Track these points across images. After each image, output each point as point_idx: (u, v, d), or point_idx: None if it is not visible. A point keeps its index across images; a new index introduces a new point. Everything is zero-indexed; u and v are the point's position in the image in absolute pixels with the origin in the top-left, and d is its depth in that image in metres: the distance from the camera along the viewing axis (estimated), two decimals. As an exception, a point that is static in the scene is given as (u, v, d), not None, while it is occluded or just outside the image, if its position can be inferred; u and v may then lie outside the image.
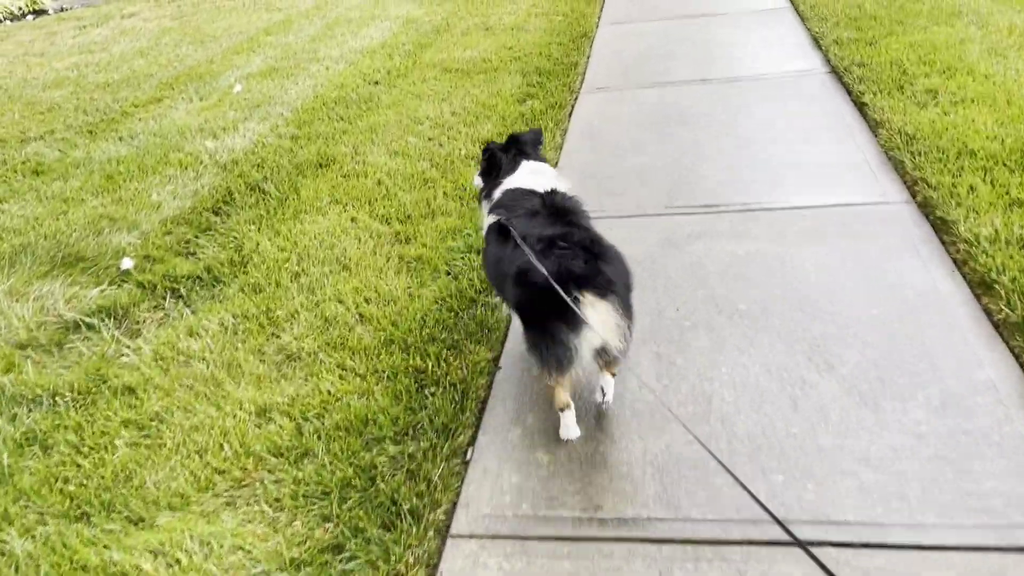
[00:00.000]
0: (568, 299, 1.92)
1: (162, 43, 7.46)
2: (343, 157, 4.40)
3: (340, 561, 2.01)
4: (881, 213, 3.29)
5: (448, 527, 2.12)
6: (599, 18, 6.81)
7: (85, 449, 2.50)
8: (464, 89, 5.30)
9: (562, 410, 2.30)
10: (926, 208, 3.23)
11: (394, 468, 2.26)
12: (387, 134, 4.68)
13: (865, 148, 3.85)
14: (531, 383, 2.59)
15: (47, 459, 2.49)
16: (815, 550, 1.90)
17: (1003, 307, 2.56)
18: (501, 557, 2.02)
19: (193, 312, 3.15)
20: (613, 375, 2.42)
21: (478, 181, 2.75)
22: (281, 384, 2.66)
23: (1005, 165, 3.30)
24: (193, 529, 2.14)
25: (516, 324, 2.82)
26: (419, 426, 2.40)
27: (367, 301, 3.06)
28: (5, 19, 10.64)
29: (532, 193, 2.40)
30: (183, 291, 3.30)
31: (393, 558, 1.99)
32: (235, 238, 3.67)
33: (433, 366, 2.64)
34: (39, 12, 10.94)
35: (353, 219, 3.71)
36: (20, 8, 10.90)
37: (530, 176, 2.53)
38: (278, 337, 2.91)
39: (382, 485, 2.20)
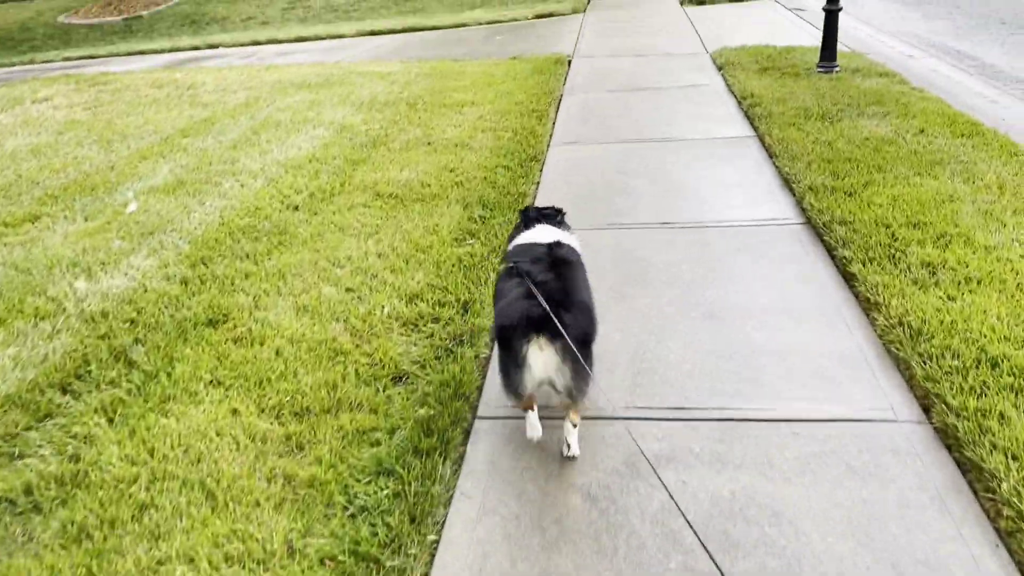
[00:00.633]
0: (524, 342, 2.34)
1: (63, 139, 6.67)
2: (239, 313, 3.63)
3: None
4: (891, 437, 2.66)
5: None
6: (551, 137, 6.29)
7: None
8: (396, 221, 4.62)
9: (526, 410, 2.65)
10: (947, 438, 2.60)
11: None
12: (298, 280, 3.94)
13: (858, 333, 3.26)
14: None
15: None
16: None
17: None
18: None
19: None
20: (575, 424, 2.61)
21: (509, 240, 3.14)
22: None
23: (1036, 382, 2.72)
24: None
25: None
26: None
27: (228, 561, 2.24)
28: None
29: (538, 243, 2.77)
30: (-15, 524, 2.45)
31: None
32: (76, 436, 2.83)
33: None
34: (-54, 88, 10.07)
35: (235, 411, 2.92)
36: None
37: (543, 232, 2.92)
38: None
39: None
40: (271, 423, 2.84)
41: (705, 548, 2.09)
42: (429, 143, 6.12)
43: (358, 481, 2.56)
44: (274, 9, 17.70)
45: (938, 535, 2.25)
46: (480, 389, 3.09)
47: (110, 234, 4.56)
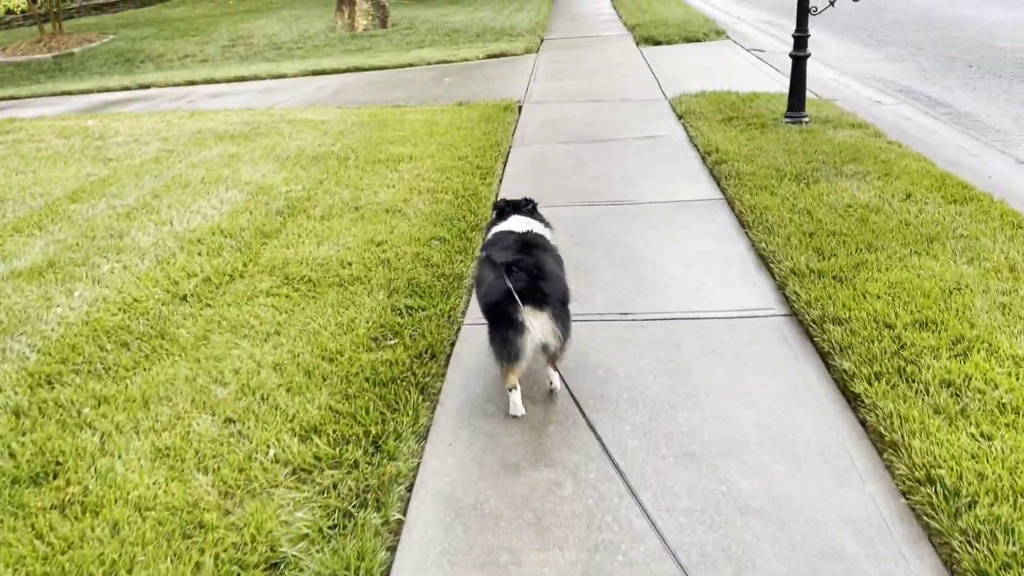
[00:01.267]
0: (519, 312, 2.70)
1: (-71, 206, 5.75)
2: (77, 462, 2.78)
3: None
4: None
5: None
6: (496, 199, 5.54)
7: None
8: (304, 316, 3.82)
9: (510, 390, 3.01)
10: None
11: None
12: (165, 407, 3.10)
13: (874, 486, 2.55)
14: None
15: None
16: None
17: None
18: None
19: None
20: (556, 369, 3.06)
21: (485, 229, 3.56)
22: None
23: None
24: None
25: None
26: None
27: None
28: None
29: (512, 232, 3.16)
30: None
31: None
32: None
33: None
34: None
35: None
36: None
37: (516, 222, 3.31)
38: None
39: None
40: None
41: None
42: (357, 208, 5.35)
43: None
44: (214, 47, 16.88)
45: None
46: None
47: (-61, 340, 3.68)
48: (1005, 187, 5.16)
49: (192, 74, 14.34)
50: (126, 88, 13.67)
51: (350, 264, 4.41)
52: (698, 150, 6.52)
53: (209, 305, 3.96)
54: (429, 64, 12.94)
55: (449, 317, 3.85)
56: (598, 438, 2.85)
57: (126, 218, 5.29)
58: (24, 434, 2.94)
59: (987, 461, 2.46)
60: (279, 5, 23.32)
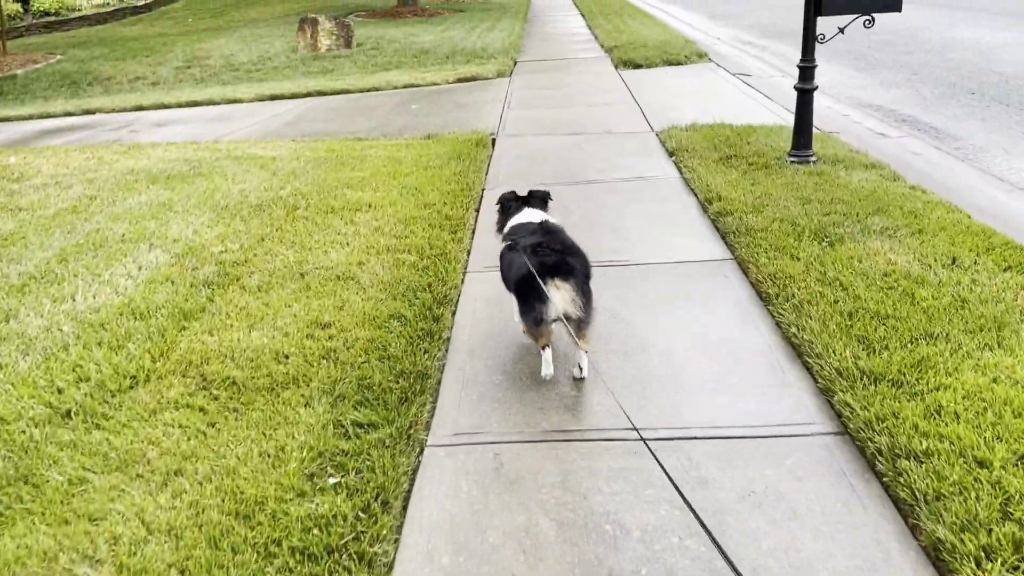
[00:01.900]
0: (541, 289, 3.02)
1: None
2: None
3: None
4: None
5: None
6: (468, 258, 4.74)
7: None
8: (220, 442, 2.95)
9: (543, 348, 3.29)
10: None
11: None
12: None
13: None
14: None
15: None
16: None
17: None
18: None
19: None
20: (585, 350, 3.28)
21: (495, 219, 3.96)
22: None
23: None
24: None
25: None
26: None
27: None
28: None
29: (532, 223, 3.54)
30: None
31: None
32: None
33: None
34: None
35: None
36: None
37: (530, 213, 3.68)
38: None
39: None
40: None
41: None
42: (302, 274, 4.48)
43: None
44: (167, 68, 15.91)
45: None
46: None
47: None
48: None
49: (141, 98, 13.38)
50: (69, 114, 12.68)
51: (287, 357, 3.54)
52: (696, 196, 5.76)
53: (98, 426, 3.06)
54: (396, 88, 12.13)
55: (409, 437, 3.00)
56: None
57: (19, 292, 4.36)
58: None
59: None
60: (240, 24, 22.39)
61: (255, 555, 2.37)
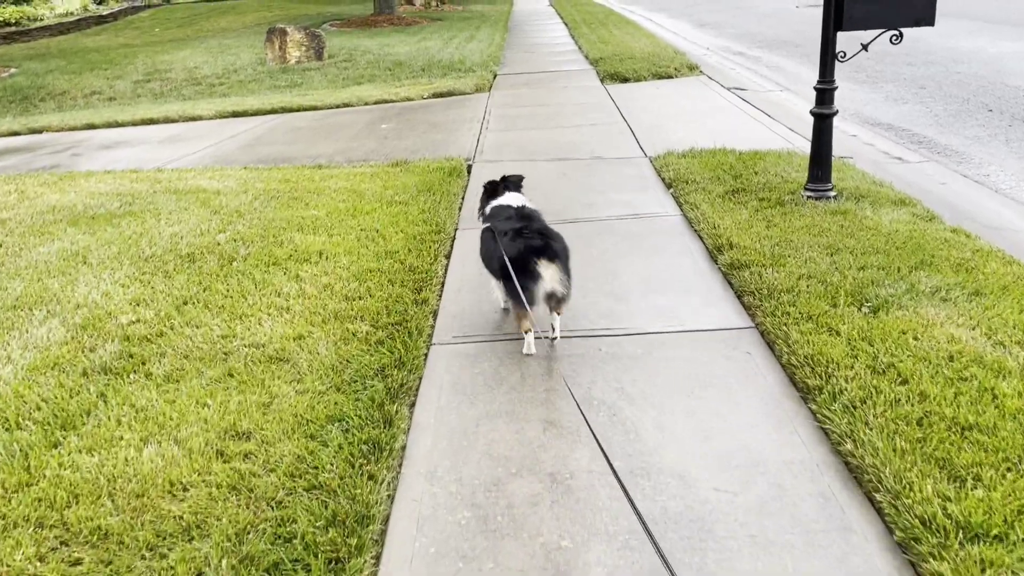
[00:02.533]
0: (537, 264, 3.33)
1: None
2: None
3: None
4: None
5: None
6: (433, 327, 3.89)
7: None
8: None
9: (526, 332, 3.54)
10: None
11: None
12: None
13: None
14: None
15: None
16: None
17: None
18: None
19: None
20: (560, 314, 3.60)
21: (479, 204, 4.19)
22: None
23: None
24: None
25: None
26: None
27: None
28: None
29: (510, 207, 3.81)
30: None
31: None
32: None
33: None
34: None
35: None
36: None
37: (510, 197, 3.95)
38: None
39: None
40: None
41: None
42: (226, 355, 3.61)
43: None
44: (126, 82, 14.97)
45: None
46: None
47: None
48: None
49: (94, 116, 12.45)
50: (14, 133, 11.75)
51: (184, 490, 2.68)
52: (701, 239, 4.94)
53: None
54: (366, 104, 11.29)
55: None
56: None
57: None
58: None
59: None
60: (209, 34, 21.45)
61: None
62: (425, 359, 3.70)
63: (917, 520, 2.32)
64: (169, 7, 27.84)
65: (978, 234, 4.70)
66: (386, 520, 2.62)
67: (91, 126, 11.70)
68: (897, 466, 2.55)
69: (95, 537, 2.47)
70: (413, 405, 3.33)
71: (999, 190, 6.03)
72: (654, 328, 3.86)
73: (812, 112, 5.35)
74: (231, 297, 4.25)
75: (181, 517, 2.55)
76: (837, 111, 5.33)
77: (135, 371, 3.51)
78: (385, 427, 3.05)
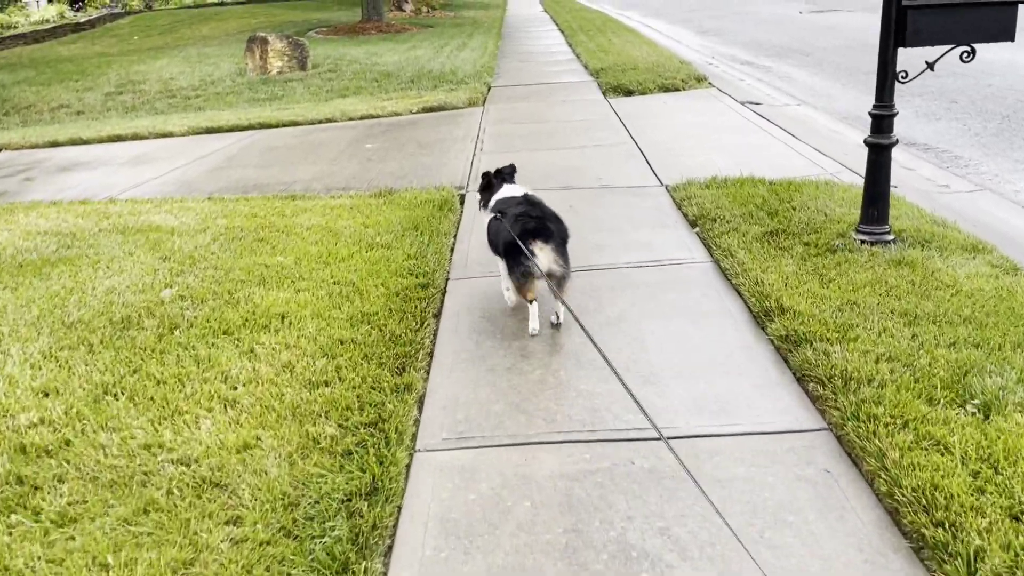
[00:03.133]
0: (526, 250, 3.52)
1: None
2: None
3: None
4: None
5: None
6: (419, 419, 3.05)
7: None
8: None
9: (530, 303, 3.77)
10: None
11: None
12: None
13: None
14: None
15: None
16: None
17: None
18: None
19: None
20: (563, 302, 3.66)
21: (478, 196, 4.44)
22: None
23: None
24: None
25: None
26: None
27: None
28: None
29: (515, 196, 3.99)
30: None
31: None
32: None
33: None
34: None
35: None
36: None
37: (511, 188, 4.16)
38: None
39: None
40: None
41: None
42: (146, 476, 2.77)
43: None
44: (97, 94, 14.08)
45: None
46: None
47: None
48: None
49: (58, 132, 11.56)
50: (-32, 152, 10.81)
51: None
52: (741, 296, 4.11)
53: None
54: (351, 119, 10.44)
55: None
56: None
57: None
58: None
59: None
60: (189, 42, 20.57)
61: None
62: (407, 475, 2.86)
63: None
64: (150, 13, 26.92)
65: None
66: None
67: (54, 143, 10.83)
68: None
69: None
70: (388, 553, 2.48)
71: (1075, 228, 5.22)
72: (700, 428, 3.02)
73: (867, 142, 4.52)
74: (165, 384, 3.39)
75: None
76: (896, 141, 4.51)
77: (21, 505, 2.64)
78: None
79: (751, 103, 9.70)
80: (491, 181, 4.35)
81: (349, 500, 2.63)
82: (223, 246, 5.21)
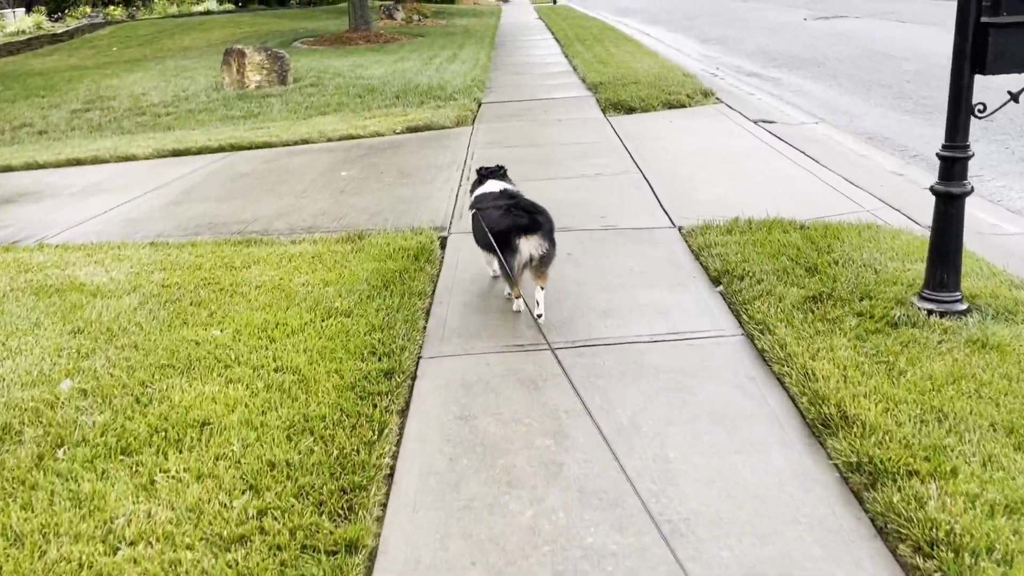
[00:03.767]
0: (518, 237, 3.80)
1: None
2: None
3: None
4: None
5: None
6: (387, 499, 2.15)
7: None
8: None
9: (516, 298, 4.08)
10: None
11: None
12: None
13: None
14: None
15: None
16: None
17: None
18: None
19: None
20: (543, 287, 3.98)
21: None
22: None
23: None
24: None
25: None
26: None
27: None
28: None
29: (496, 191, 4.26)
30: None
31: None
32: None
33: None
34: None
35: None
36: None
37: (496, 183, 4.39)
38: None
39: None
40: None
41: None
42: None
43: None
44: (63, 112, 13.20)
45: None
46: None
47: None
48: None
49: (13, 155, 10.70)
50: (-87, 179, 9.90)
51: None
52: (785, 389, 3.24)
53: None
54: (329, 140, 9.59)
55: None
56: None
57: None
58: None
59: None
60: (168, 53, 19.70)
61: None
62: None
63: None
64: (132, 23, 26.05)
65: None
66: None
67: (7, 168, 9.98)
68: None
69: None
70: None
71: None
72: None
73: (935, 191, 3.65)
74: (19, 544, 2.48)
75: None
76: (972, 189, 3.63)
77: None
78: None
79: (764, 121, 8.85)
80: (482, 182, 4.50)
81: None
82: (151, 313, 4.32)
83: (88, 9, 27.33)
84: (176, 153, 9.77)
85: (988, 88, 3.64)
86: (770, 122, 8.85)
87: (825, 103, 10.10)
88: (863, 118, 9.06)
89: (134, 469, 2.89)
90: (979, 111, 3.53)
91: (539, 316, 3.99)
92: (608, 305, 4.26)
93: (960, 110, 3.54)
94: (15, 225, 6.84)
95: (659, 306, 4.21)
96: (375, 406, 3.27)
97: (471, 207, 4.30)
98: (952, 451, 2.66)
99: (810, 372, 3.23)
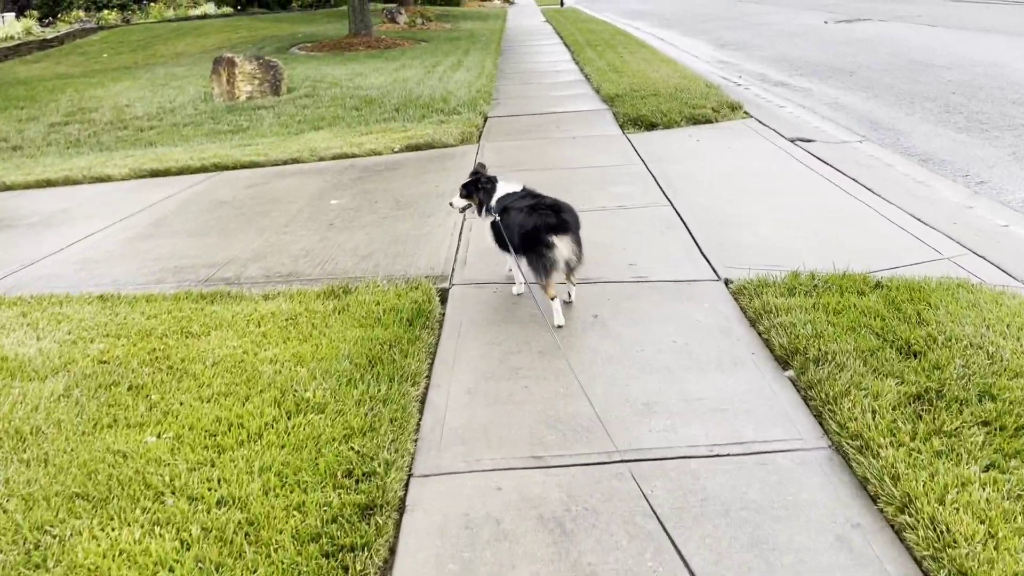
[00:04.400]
0: (549, 240, 3.77)
1: None
2: None
3: None
4: None
5: None
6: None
7: None
8: None
9: (552, 299, 3.94)
10: None
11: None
12: None
13: None
14: None
15: None
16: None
17: None
18: None
19: None
20: (574, 283, 4.13)
21: (461, 202, 4.39)
22: None
23: None
24: None
25: None
26: None
27: None
28: None
29: (516, 191, 4.19)
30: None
31: None
32: None
33: None
34: None
35: None
36: None
37: (507, 184, 4.28)
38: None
39: None
40: None
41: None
42: None
43: None
44: (40, 125, 12.37)
45: None
46: None
47: None
48: None
49: (-17, 173, 9.82)
50: None
51: None
52: (905, 546, 2.37)
53: None
54: (321, 160, 8.74)
55: None
56: None
57: None
58: None
59: None
60: (160, 60, 18.88)
61: None
62: None
63: None
64: (126, 28, 25.24)
65: None
66: None
67: (-27, 189, 9.09)
68: None
69: None
70: None
71: None
72: None
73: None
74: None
75: None
76: None
77: None
78: None
79: (801, 140, 7.95)
80: (485, 186, 4.32)
81: None
82: (78, 405, 3.45)
83: (82, 14, 26.52)
84: (154, 173, 8.94)
85: None
86: (808, 140, 7.96)
87: (864, 117, 9.19)
88: (910, 135, 8.15)
89: None
90: None
91: (569, 302, 4.20)
92: (649, 396, 3.38)
93: None
94: (-42, 266, 5.98)
95: (715, 399, 3.32)
96: (345, 570, 2.38)
97: (496, 208, 4.23)
98: None
99: (942, 527, 2.33)
